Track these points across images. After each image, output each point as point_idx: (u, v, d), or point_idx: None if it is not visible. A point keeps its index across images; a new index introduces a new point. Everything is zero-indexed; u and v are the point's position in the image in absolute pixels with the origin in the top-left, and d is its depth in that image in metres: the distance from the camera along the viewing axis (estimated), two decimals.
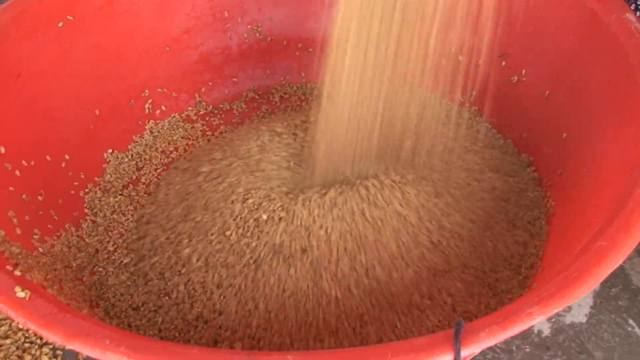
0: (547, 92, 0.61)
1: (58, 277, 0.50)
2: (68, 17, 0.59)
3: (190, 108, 0.73)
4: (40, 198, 0.55)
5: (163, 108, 0.71)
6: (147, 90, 0.69)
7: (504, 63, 0.66)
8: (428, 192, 0.55)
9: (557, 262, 0.48)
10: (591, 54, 0.56)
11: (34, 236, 0.51)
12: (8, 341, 0.52)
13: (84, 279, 0.54)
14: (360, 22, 0.49)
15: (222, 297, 0.50)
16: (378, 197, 0.53)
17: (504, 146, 0.66)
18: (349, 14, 0.49)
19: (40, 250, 0.51)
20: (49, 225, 0.55)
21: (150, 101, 0.69)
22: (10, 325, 0.53)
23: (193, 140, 0.70)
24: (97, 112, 0.64)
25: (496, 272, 0.51)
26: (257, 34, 0.74)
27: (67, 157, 0.60)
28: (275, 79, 0.77)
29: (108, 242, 0.58)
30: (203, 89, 0.73)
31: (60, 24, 0.59)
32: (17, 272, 0.41)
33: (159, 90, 0.70)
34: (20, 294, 0.38)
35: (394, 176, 0.55)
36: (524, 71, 0.64)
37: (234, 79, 0.75)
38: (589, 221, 0.46)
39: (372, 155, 0.56)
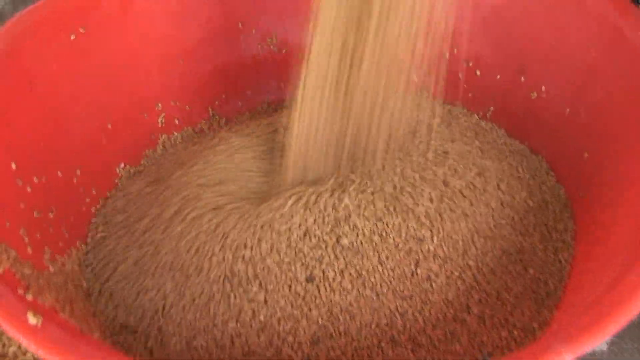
0: (568, 109, 0.60)
1: (69, 298, 0.49)
2: (80, 29, 0.58)
3: (203, 121, 0.72)
4: (51, 215, 0.54)
5: (176, 122, 0.70)
6: (160, 104, 0.68)
7: (523, 78, 0.65)
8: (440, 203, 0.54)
9: (581, 292, 0.46)
10: (614, 71, 0.55)
11: (45, 255, 0.50)
12: None
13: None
14: (335, 27, 0.49)
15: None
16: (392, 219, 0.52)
17: (532, 161, 0.64)
18: (323, 21, 0.49)
19: (51, 269, 0.50)
20: (60, 243, 0.54)
21: (163, 115, 0.68)
22: (19, 346, 0.52)
23: None
24: (109, 125, 0.63)
25: (516, 301, 0.49)
26: (271, 46, 0.73)
27: (78, 172, 0.59)
28: (290, 91, 0.75)
29: None
30: (217, 102, 0.72)
31: (72, 37, 0.58)
32: (29, 296, 0.40)
33: (172, 103, 0.69)
34: (32, 320, 0.37)
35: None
36: (543, 87, 0.63)
37: (248, 92, 0.74)
38: (614, 250, 0.45)
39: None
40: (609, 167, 0.53)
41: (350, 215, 0.51)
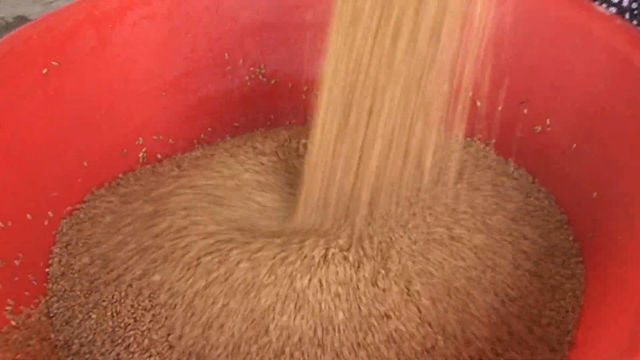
0: (574, 144, 0.56)
1: (31, 355, 0.45)
2: (53, 62, 0.55)
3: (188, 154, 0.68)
4: (17, 262, 0.50)
5: (159, 156, 0.66)
6: (141, 138, 0.64)
7: (525, 111, 0.61)
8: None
9: (590, 350, 0.42)
10: (624, 104, 0.51)
11: (7, 307, 0.47)
12: None
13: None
14: (349, 62, 0.45)
15: None
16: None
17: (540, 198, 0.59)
18: (338, 55, 0.45)
19: (13, 323, 0.46)
20: (26, 293, 0.50)
21: (144, 149, 0.64)
22: None
23: None
24: (85, 164, 0.59)
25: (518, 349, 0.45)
26: (260, 77, 0.69)
27: (50, 214, 0.55)
28: (280, 123, 0.72)
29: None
30: (202, 135, 0.69)
31: (44, 70, 0.54)
32: None
33: (154, 137, 0.65)
34: None
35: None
36: (548, 120, 0.59)
37: (236, 124, 0.70)
38: (626, 304, 0.40)
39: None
40: (620, 208, 0.49)
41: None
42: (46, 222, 0.55)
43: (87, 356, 0.48)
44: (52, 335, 0.49)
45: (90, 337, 0.49)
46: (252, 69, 0.69)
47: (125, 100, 0.62)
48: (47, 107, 0.55)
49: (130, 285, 0.49)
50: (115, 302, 0.49)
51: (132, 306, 0.48)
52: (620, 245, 0.47)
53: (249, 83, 0.69)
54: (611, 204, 0.50)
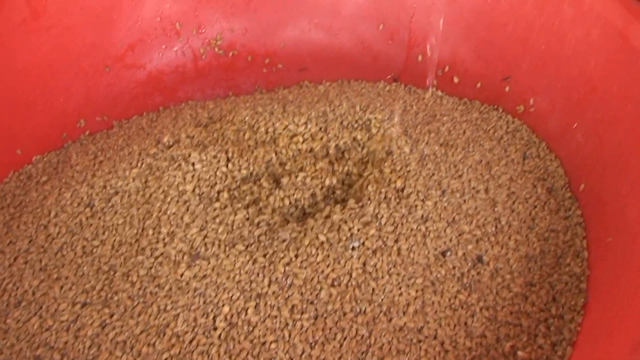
0: (562, 128, 0.51)
1: None
2: None
3: None
4: None
5: None
6: (82, 120, 0.57)
7: (507, 88, 0.56)
8: None
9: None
10: (620, 86, 0.46)
11: None
12: None
13: None
14: None
15: None
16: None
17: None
18: None
19: None
20: None
21: (87, 132, 0.57)
22: None
23: None
24: (18, 151, 0.52)
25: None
26: (216, 48, 0.62)
27: None
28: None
29: None
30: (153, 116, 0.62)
31: None
32: None
33: (97, 119, 0.58)
34: None
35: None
36: (532, 100, 0.54)
37: (190, 102, 0.63)
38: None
39: None
40: (614, 206, 0.45)
41: None
42: None
43: None
44: None
45: None
46: (207, 40, 0.62)
47: (63, 77, 0.55)
48: None
49: None
50: None
51: None
52: (614, 247, 0.43)
53: (203, 56, 0.62)
54: (601, 199, 0.46)
